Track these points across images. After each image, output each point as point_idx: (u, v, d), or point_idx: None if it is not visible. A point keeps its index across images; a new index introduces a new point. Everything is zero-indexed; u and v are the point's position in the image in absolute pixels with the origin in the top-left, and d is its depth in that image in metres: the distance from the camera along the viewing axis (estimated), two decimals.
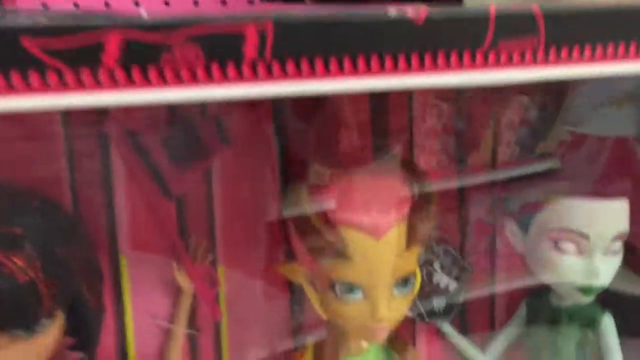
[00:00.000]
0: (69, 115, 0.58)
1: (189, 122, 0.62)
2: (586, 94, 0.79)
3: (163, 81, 0.37)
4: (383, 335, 0.58)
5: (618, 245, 0.67)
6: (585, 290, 0.67)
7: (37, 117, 0.57)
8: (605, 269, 0.66)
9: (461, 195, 0.77)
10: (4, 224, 0.50)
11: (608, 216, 0.65)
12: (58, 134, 0.59)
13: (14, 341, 0.50)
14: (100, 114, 0.58)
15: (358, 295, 0.56)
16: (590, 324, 0.71)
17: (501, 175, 0.78)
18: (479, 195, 0.78)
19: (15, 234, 0.50)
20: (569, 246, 0.66)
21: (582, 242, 0.65)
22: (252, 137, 0.64)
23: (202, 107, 0.62)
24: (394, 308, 0.56)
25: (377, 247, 0.54)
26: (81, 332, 0.56)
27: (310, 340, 0.65)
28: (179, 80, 0.37)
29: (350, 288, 0.55)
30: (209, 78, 0.37)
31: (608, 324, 0.71)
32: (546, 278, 0.70)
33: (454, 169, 0.76)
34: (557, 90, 0.80)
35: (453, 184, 0.77)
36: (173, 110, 0.61)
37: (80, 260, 0.55)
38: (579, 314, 0.71)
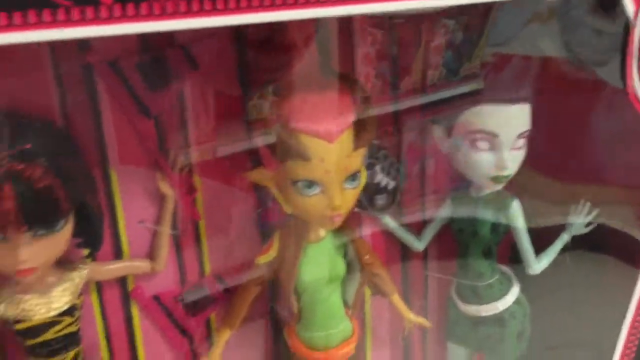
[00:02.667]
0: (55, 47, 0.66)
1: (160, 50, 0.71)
2: (510, 12, 0.89)
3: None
4: (338, 221, 0.71)
5: (522, 142, 0.82)
6: (496, 179, 0.82)
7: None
8: (512, 162, 0.82)
9: (395, 120, 0.89)
10: (15, 141, 0.59)
11: (513, 118, 0.80)
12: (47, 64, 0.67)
13: (37, 239, 0.60)
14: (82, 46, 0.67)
15: (316, 190, 0.68)
16: (502, 208, 0.87)
17: (430, 98, 0.90)
18: (411, 119, 0.90)
19: (26, 149, 0.59)
20: (483, 144, 0.80)
21: (494, 140, 0.80)
22: (217, 62, 0.74)
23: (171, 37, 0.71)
24: (346, 199, 0.70)
25: (331, 149, 0.66)
26: (87, 232, 0.66)
27: (275, 233, 0.78)
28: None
29: (310, 184, 0.68)
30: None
31: (516, 208, 0.87)
32: (466, 172, 0.85)
33: (388, 93, 0.88)
34: (482, 11, 0.90)
35: (388, 108, 0.89)
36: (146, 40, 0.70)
37: (81, 171, 0.64)
38: (492, 201, 0.87)
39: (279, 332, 0.85)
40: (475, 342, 0.94)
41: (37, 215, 0.58)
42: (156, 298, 0.77)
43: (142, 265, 0.75)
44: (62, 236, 0.62)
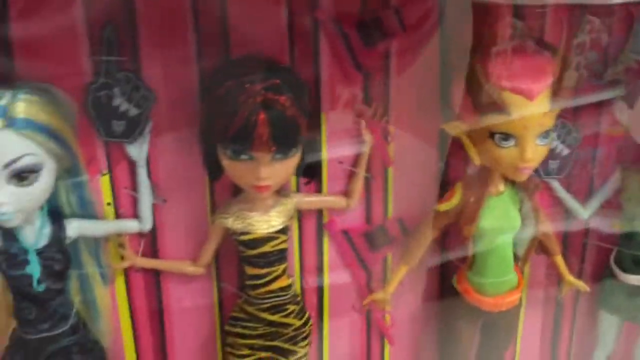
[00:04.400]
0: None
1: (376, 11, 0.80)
2: None
3: None
4: (526, 174, 0.78)
5: None
6: None
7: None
8: None
9: None
10: (267, 78, 0.69)
11: None
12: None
13: (276, 161, 0.71)
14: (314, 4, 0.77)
15: (511, 143, 0.76)
16: None
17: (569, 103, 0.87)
18: None
19: (277, 83, 0.69)
20: None
21: None
22: (422, 26, 0.82)
23: None
24: (536, 153, 0.76)
25: (530, 106, 0.73)
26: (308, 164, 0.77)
27: (457, 184, 0.85)
28: None
29: (506, 137, 0.75)
30: None
31: None
32: None
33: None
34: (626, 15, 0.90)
35: None
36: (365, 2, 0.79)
37: (310, 109, 0.75)
38: None
39: (445, 277, 0.93)
40: (629, 312, 0.97)
41: (282, 140, 0.69)
42: (345, 232, 0.88)
43: (339, 201, 0.85)
44: (293, 162, 0.73)
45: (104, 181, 0.77)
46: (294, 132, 0.70)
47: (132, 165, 0.77)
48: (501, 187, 0.84)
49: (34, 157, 0.64)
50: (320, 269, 0.89)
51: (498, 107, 0.73)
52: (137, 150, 0.76)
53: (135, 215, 0.79)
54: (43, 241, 0.72)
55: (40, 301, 0.72)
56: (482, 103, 0.74)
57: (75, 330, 0.76)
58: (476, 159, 0.79)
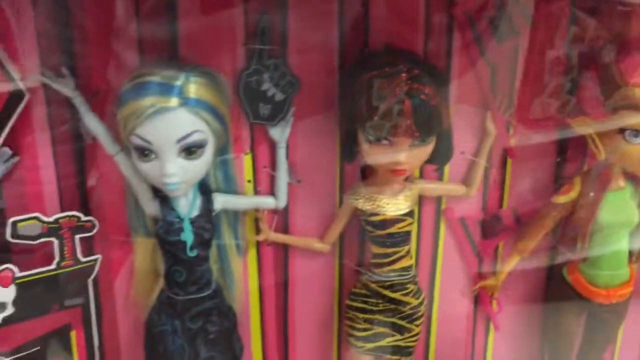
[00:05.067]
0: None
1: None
2: None
3: None
4: None
5: None
6: None
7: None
8: None
9: None
10: (410, 68, 0.74)
11: None
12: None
13: (413, 147, 0.76)
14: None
15: None
16: None
17: None
18: None
19: (420, 74, 0.74)
20: None
21: None
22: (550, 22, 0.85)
23: None
24: None
25: None
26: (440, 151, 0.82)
27: (576, 178, 0.88)
28: None
29: (637, 133, 0.78)
30: None
31: None
32: None
33: None
34: None
35: None
36: None
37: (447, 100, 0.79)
38: None
39: (553, 268, 0.96)
40: None
41: (424, 128, 0.74)
42: (461, 219, 0.92)
43: (458, 189, 0.89)
44: (429, 149, 0.78)
45: (247, 160, 0.84)
46: (435, 121, 0.75)
47: (272, 146, 0.84)
48: (622, 182, 0.86)
49: (202, 134, 0.72)
50: (434, 254, 0.93)
51: (629, 103, 0.76)
52: (279, 133, 0.82)
53: (272, 193, 0.86)
54: (195, 212, 0.79)
55: (191, 266, 0.79)
56: (616, 101, 0.77)
57: (216, 295, 0.83)
58: (601, 154, 0.82)
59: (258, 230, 0.86)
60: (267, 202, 0.85)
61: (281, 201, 0.86)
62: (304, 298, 0.92)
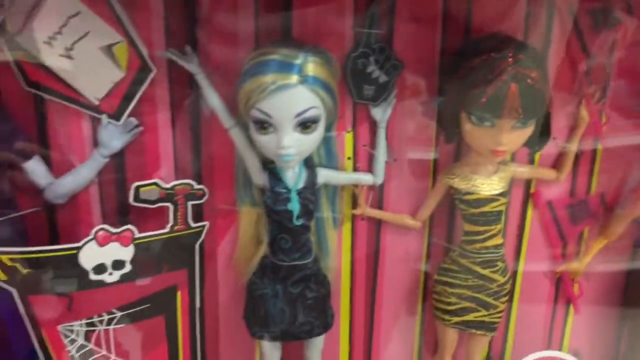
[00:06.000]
0: None
1: None
2: None
3: None
4: None
5: None
6: None
7: None
8: None
9: None
10: (516, 54, 0.77)
11: None
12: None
13: (513, 130, 0.80)
14: None
15: None
16: None
17: None
18: None
19: (525, 59, 0.77)
20: None
21: None
22: None
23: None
24: None
25: None
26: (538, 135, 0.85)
27: None
28: None
29: None
30: None
31: None
32: None
33: None
34: None
35: None
36: None
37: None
38: None
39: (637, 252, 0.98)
40: None
41: (528, 111, 0.77)
42: (549, 202, 0.95)
43: (550, 173, 0.92)
44: (528, 132, 0.81)
45: (348, 138, 0.89)
46: (539, 105, 0.78)
47: (373, 125, 0.88)
48: None
49: (317, 110, 0.77)
50: (520, 234, 0.97)
51: None
52: (381, 113, 0.87)
53: (369, 170, 0.90)
54: (301, 184, 0.84)
55: (296, 234, 0.85)
56: None
57: (315, 263, 0.88)
58: None
59: (355, 205, 0.92)
60: (366, 178, 0.90)
61: (378, 178, 0.90)
62: (392, 271, 0.97)
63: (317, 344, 0.93)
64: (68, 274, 0.84)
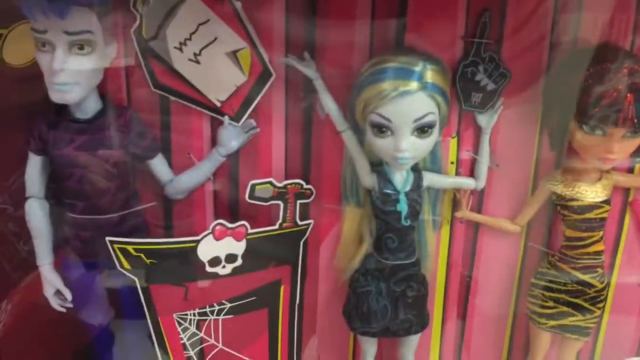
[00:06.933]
0: None
1: None
2: None
3: None
4: None
5: None
6: None
7: None
8: None
9: None
10: (631, 64, 0.79)
11: None
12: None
13: (624, 139, 0.81)
14: None
15: None
16: None
17: None
18: None
19: (638, 70, 0.79)
20: None
21: None
22: None
23: None
24: None
25: None
26: None
27: None
28: None
29: None
30: None
31: None
32: None
33: None
34: None
35: None
36: None
37: None
38: None
39: None
40: None
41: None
42: None
43: None
44: (637, 142, 0.83)
45: (452, 143, 0.92)
46: None
47: (477, 132, 0.91)
48: None
49: (434, 116, 0.80)
50: (617, 242, 0.97)
51: None
52: (487, 120, 0.89)
53: (471, 174, 0.93)
54: (408, 186, 0.88)
55: (402, 234, 0.88)
56: None
57: (417, 263, 0.92)
58: None
59: (456, 208, 0.95)
60: (468, 183, 0.93)
61: (481, 183, 0.93)
62: (487, 274, 0.99)
63: (413, 342, 0.97)
64: (186, 265, 0.90)
